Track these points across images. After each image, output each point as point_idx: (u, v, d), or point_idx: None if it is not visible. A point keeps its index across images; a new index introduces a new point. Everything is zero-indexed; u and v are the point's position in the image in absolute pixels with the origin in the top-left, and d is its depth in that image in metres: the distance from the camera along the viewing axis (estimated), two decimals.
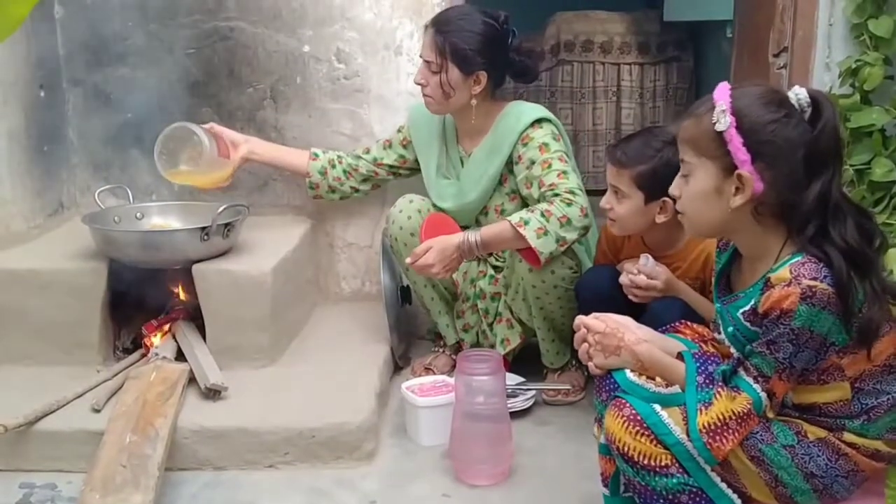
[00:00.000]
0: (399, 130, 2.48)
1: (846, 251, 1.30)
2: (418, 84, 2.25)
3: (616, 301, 1.90)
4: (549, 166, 2.12)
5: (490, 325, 2.36)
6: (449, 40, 2.15)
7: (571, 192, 2.07)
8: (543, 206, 2.06)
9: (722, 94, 1.36)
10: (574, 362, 2.31)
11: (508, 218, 2.08)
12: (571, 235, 2.06)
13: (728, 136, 1.33)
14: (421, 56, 2.24)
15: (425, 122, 2.40)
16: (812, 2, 2.46)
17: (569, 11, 4.30)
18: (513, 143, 2.20)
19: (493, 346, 2.32)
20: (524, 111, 2.22)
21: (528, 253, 2.08)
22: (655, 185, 1.87)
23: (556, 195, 2.07)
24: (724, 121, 1.34)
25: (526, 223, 2.04)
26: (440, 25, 2.18)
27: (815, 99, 1.33)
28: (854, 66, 2.36)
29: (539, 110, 2.21)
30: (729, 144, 1.34)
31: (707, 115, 1.36)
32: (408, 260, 2.16)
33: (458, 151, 2.36)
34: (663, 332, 1.59)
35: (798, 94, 1.34)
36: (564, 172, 2.10)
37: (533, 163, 2.15)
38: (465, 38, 2.15)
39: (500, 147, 2.22)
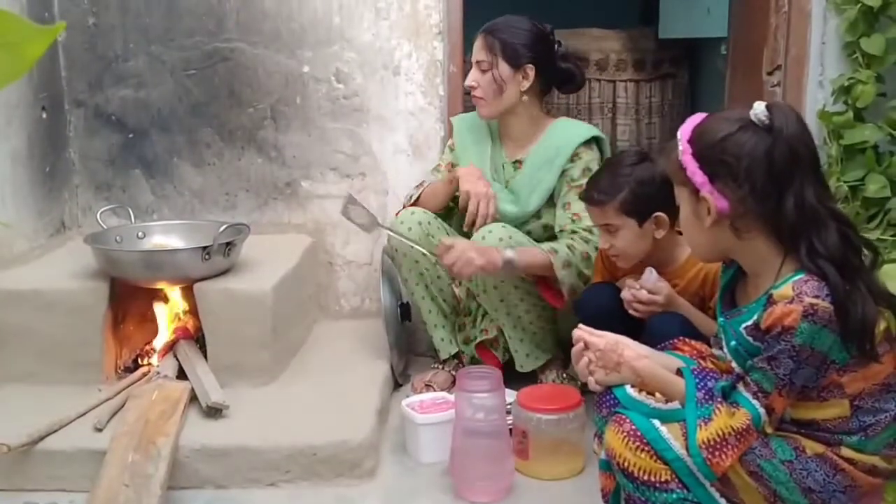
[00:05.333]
0: (444, 152, 2.51)
1: (832, 261, 1.31)
2: (469, 87, 2.30)
3: (617, 317, 1.91)
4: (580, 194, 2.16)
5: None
6: (498, 37, 2.25)
7: (590, 231, 2.15)
8: (567, 240, 2.17)
9: (686, 124, 1.43)
10: (565, 375, 2.33)
11: (539, 245, 2.15)
12: (589, 272, 2.15)
13: (684, 163, 1.39)
14: (471, 61, 2.31)
15: (469, 130, 2.44)
16: (805, 20, 2.48)
17: (564, 29, 4.32)
18: (568, 156, 2.26)
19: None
20: (580, 127, 2.32)
21: (548, 290, 2.16)
22: (640, 205, 1.91)
23: (574, 232, 2.17)
24: (679, 149, 1.40)
25: (556, 251, 2.12)
26: (490, 29, 2.29)
27: (771, 111, 1.35)
28: (847, 83, 2.38)
29: (593, 129, 2.31)
30: (687, 170, 1.38)
31: (675, 146, 1.42)
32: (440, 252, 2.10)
33: (501, 156, 2.39)
34: (662, 348, 1.61)
35: (756, 109, 1.36)
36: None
37: (573, 181, 2.24)
38: (513, 34, 2.26)
39: (556, 158, 2.28)
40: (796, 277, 1.33)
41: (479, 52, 2.28)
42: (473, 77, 2.29)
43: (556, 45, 2.33)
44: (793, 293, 1.31)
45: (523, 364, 2.31)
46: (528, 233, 2.31)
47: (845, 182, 2.33)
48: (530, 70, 2.25)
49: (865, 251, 1.39)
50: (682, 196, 1.45)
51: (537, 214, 2.31)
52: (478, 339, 2.35)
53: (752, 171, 1.33)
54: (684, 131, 1.41)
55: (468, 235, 2.26)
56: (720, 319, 1.52)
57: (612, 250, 1.98)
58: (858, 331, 1.32)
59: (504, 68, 2.24)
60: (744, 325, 1.41)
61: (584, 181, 2.15)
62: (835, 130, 2.38)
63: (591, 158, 2.26)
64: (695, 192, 1.40)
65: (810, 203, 1.33)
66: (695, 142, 1.39)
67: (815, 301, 1.29)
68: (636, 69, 4.30)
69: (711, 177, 1.37)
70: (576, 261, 2.14)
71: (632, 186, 1.90)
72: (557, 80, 2.37)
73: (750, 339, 1.40)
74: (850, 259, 1.34)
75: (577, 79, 2.39)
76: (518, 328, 2.26)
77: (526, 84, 2.26)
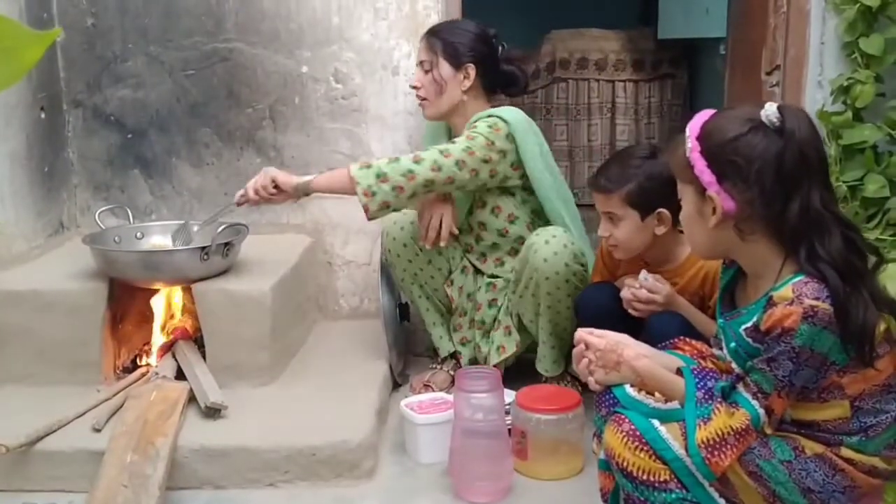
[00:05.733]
0: None
1: (833, 265, 1.31)
2: (413, 88, 2.34)
3: (616, 316, 1.91)
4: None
5: (486, 334, 2.36)
6: (440, 37, 2.29)
7: (435, 152, 2.11)
8: None
9: (695, 119, 1.42)
10: (569, 377, 2.32)
11: None
12: (395, 174, 2.07)
13: (692, 161, 1.38)
14: (416, 63, 2.35)
15: (431, 135, 2.48)
16: (804, 20, 2.48)
17: (564, 29, 4.34)
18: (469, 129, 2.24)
19: (486, 357, 2.32)
20: (496, 109, 2.27)
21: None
22: (645, 199, 1.91)
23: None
24: (688, 146, 1.38)
25: (356, 164, 2.12)
26: (433, 30, 2.34)
27: (783, 114, 1.34)
28: (846, 83, 2.38)
29: (501, 110, 2.25)
30: (694, 168, 1.37)
31: (682, 142, 1.41)
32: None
33: None
34: (662, 348, 1.60)
35: (767, 111, 1.35)
36: (453, 142, 2.16)
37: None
38: (454, 34, 2.29)
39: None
40: (796, 279, 1.33)
41: (421, 52, 2.31)
42: (417, 78, 2.32)
43: (499, 47, 2.34)
44: (793, 295, 1.30)
45: (548, 369, 2.28)
46: (482, 224, 2.31)
47: (844, 182, 2.33)
48: (471, 70, 2.27)
49: (870, 255, 1.39)
50: (685, 193, 1.44)
51: (482, 202, 2.30)
52: (496, 361, 2.29)
53: (762, 174, 1.33)
54: (693, 128, 1.40)
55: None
56: (719, 321, 1.52)
57: (611, 240, 1.98)
58: (858, 336, 1.31)
59: (445, 68, 2.26)
60: (743, 327, 1.41)
61: (467, 131, 2.19)
62: (834, 130, 2.38)
63: (483, 123, 2.20)
64: (700, 190, 1.39)
65: (816, 208, 1.33)
66: (704, 140, 1.37)
67: (815, 303, 1.29)
68: (635, 69, 4.31)
69: (719, 177, 1.36)
70: (379, 163, 2.10)
71: (640, 180, 1.91)
72: (500, 82, 2.37)
73: (749, 340, 1.40)
74: (854, 264, 1.34)
75: (520, 81, 2.39)
76: (554, 335, 2.24)
77: (467, 83, 2.27)
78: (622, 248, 1.99)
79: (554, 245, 2.12)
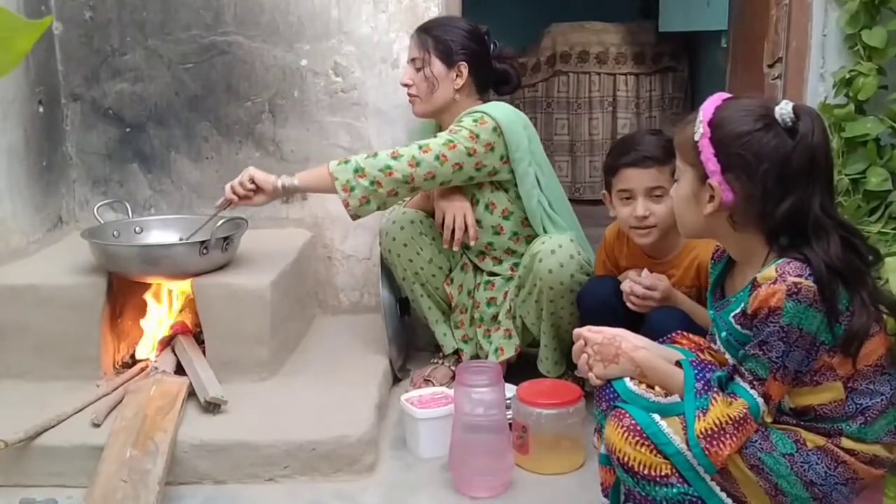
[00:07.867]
0: None
1: (829, 266, 1.32)
2: (404, 85, 2.33)
3: (616, 310, 1.91)
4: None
5: (486, 333, 2.35)
6: (432, 35, 2.28)
7: (414, 148, 2.11)
8: None
9: (708, 104, 1.41)
10: (570, 373, 2.32)
11: None
12: (372, 170, 2.08)
13: (700, 146, 1.38)
14: (408, 61, 2.34)
15: (421, 132, 2.47)
16: (806, 13, 2.47)
17: (564, 23, 4.33)
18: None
19: (486, 357, 2.32)
20: (482, 105, 2.27)
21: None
22: None
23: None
24: (699, 131, 1.38)
25: (335, 161, 2.11)
26: (424, 27, 2.33)
27: (798, 115, 1.35)
28: (848, 76, 2.37)
29: (487, 105, 2.24)
30: (701, 154, 1.37)
31: (692, 123, 1.41)
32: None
33: None
34: (661, 342, 1.61)
35: (782, 109, 1.35)
36: (434, 139, 2.15)
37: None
38: (447, 32, 2.29)
39: None
40: (779, 261, 1.35)
41: (413, 50, 2.31)
42: (408, 75, 2.31)
43: (491, 45, 2.34)
44: (776, 274, 1.32)
45: (550, 370, 2.28)
46: (477, 221, 2.29)
47: (847, 175, 2.32)
48: (464, 68, 2.26)
49: (872, 258, 1.40)
50: (685, 174, 1.45)
51: (475, 199, 2.29)
52: (496, 360, 2.28)
53: (767, 173, 1.34)
54: (706, 112, 1.40)
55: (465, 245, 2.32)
56: (711, 313, 1.54)
57: (650, 219, 1.92)
58: (851, 336, 1.33)
59: (437, 66, 2.26)
60: (732, 314, 1.42)
61: (452, 126, 2.18)
62: (836, 123, 2.36)
63: (468, 117, 2.19)
64: (702, 175, 1.40)
65: (815, 213, 1.34)
66: (715, 127, 1.38)
67: (798, 280, 1.30)
68: (636, 63, 4.30)
69: (724, 167, 1.36)
70: (357, 159, 2.10)
71: None
72: (493, 80, 2.37)
73: (738, 327, 1.41)
74: (854, 266, 1.35)
75: (513, 79, 2.39)
76: (556, 338, 2.24)
77: (460, 82, 2.27)
78: (659, 228, 1.92)
79: (560, 256, 2.11)
